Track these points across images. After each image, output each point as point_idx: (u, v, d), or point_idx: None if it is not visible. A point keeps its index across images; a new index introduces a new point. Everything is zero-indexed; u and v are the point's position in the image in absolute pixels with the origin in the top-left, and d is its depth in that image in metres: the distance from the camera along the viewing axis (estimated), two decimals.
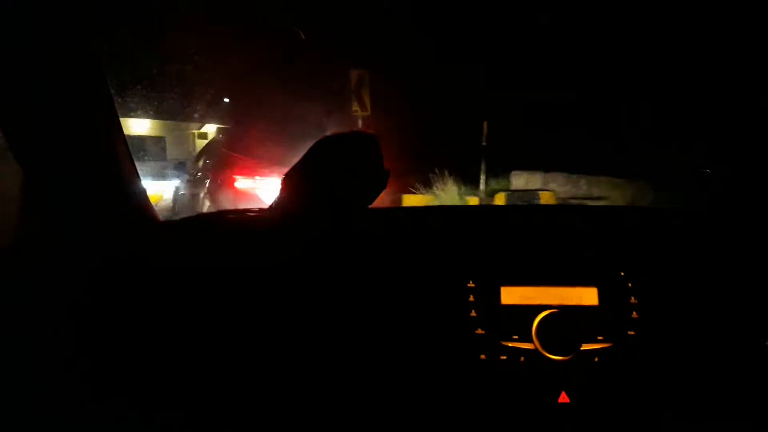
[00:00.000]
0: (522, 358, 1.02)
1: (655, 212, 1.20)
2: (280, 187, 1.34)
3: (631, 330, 1.03)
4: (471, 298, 1.05)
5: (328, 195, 1.21)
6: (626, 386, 1.02)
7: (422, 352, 1.04)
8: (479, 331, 1.04)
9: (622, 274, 1.06)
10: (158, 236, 1.15)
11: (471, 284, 1.06)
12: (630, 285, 1.06)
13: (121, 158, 1.08)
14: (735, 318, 1.05)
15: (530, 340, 1.02)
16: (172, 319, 1.05)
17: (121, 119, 1.11)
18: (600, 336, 1.03)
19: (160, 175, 7.42)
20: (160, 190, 6.79)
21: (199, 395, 1.03)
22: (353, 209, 1.19)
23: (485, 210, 1.24)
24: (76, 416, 1.00)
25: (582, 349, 1.01)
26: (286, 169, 1.32)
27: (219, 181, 4.86)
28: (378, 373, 1.04)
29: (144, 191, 1.16)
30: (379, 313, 1.05)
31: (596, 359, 1.02)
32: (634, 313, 1.04)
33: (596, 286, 1.06)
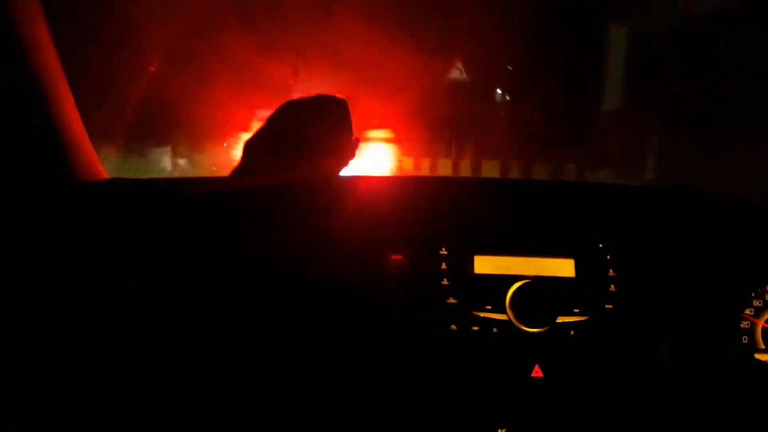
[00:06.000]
0: (495, 329, 0.96)
1: (635, 189, 1.17)
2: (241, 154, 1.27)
3: (608, 303, 0.99)
4: (443, 266, 1.00)
5: (292, 163, 1.15)
6: (602, 361, 0.97)
7: (393, 320, 0.98)
8: (451, 300, 0.98)
9: (601, 246, 1.02)
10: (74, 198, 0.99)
11: (443, 251, 1.00)
12: (608, 258, 1.02)
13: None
14: (713, 295, 1.02)
15: (504, 311, 0.97)
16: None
17: None
18: (576, 309, 0.98)
19: None
20: None
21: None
22: (320, 178, 1.14)
23: (462, 180, 1.20)
24: None
25: (558, 321, 0.96)
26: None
27: None
28: (347, 344, 0.97)
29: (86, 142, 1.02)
30: (352, 280, 0.99)
31: (572, 332, 0.97)
32: (612, 286, 1.00)
33: (573, 258, 1.01)
